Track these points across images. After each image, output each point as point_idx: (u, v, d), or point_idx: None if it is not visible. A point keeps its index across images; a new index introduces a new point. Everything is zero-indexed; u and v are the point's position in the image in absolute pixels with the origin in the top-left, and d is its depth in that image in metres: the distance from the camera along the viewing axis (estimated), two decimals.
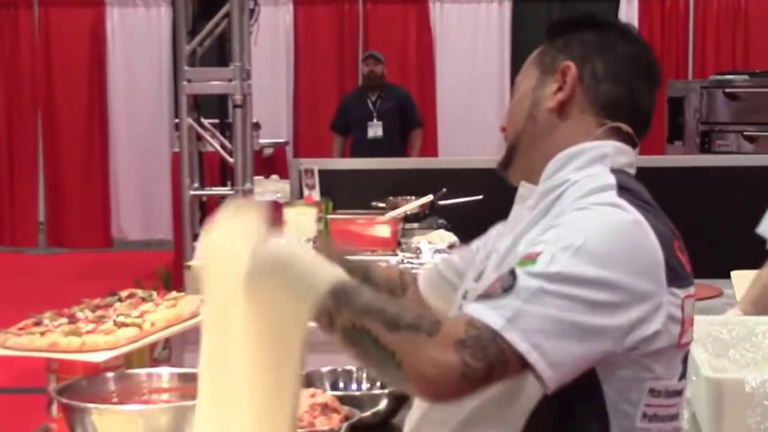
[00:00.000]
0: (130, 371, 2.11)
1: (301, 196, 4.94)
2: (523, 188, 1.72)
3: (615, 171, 1.64)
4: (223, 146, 6.29)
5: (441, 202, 4.87)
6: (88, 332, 2.05)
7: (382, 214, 4.52)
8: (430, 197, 4.84)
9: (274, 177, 7.79)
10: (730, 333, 2.41)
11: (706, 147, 8.40)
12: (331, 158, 8.33)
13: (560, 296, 1.45)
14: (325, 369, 2.28)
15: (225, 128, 6.62)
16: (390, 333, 1.44)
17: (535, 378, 1.46)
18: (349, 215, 4.50)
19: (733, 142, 8.27)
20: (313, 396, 2.06)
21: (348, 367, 2.31)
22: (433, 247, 4.05)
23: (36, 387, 2.44)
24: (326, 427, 1.99)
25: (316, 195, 4.80)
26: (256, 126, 7.69)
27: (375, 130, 8.92)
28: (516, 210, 1.74)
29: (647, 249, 1.53)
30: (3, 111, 11.00)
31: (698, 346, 2.26)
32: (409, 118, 9.16)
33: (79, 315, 2.18)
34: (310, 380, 2.21)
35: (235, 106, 5.93)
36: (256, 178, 6.17)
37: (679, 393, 1.61)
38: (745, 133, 8.26)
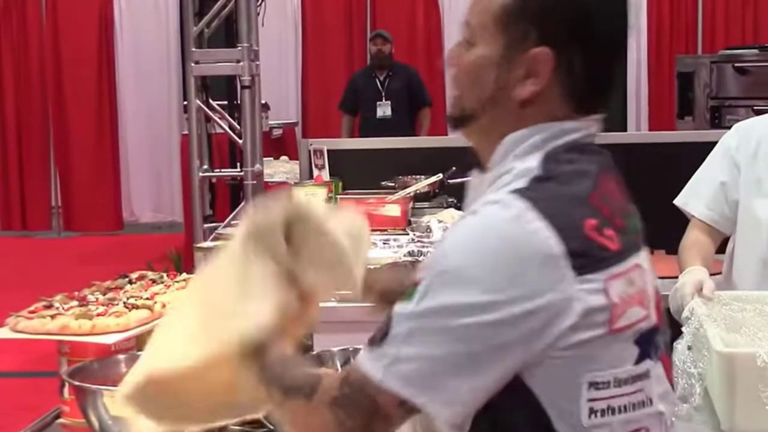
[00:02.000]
0: (141, 353, 2.11)
1: (310, 176, 4.92)
2: (475, 178, 1.61)
3: (548, 154, 1.49)
4: (232, 128, 6.28)
5: (451, 181, 4.84)
6: (98, 315, 2.05)
7: (392, 193, 4.51)
8: (439, 176, 4.82)
9: (284, 158, 7.80)
10: (742, 311, 2.41)
11: (716, 122, 8.37)
12: (340, 138, 8.31)
13: (435, 332, 1.38)
14: (336, 348, 2.27)
15: (234, 109, 6.61)
16: (282, 402, 1.49)
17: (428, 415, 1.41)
18: (358, 195, 4.49)
19: (744, 116, 8.19)
20: None
21: (359, 346, 2.30)
22: (443, 225, 4.04)
23: (48, 370, 2.44)
24: None
25: (325, 175, 4.78)
26: (265, 107, 7.68)
27: (384, 109, 8.91)
28: (470, 199, 1.62)
29: (529, 247, 1.39)
30: (13, 97, 11.01)
31: (710, 321, 2.25)
32: (418, 97, 9.15)
33: (90, 298, 2.18)
34: (321, 360, 2.21)
35: (243, 87, 5.91)
36: (266, 159, 6.17)
37: (640, 377, 1.47)
38: (756, 107, 8.21)
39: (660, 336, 1.53)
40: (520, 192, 1.43)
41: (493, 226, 1.41)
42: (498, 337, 1.37)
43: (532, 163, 1.48)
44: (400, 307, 1.42)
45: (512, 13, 1.51)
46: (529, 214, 1.40)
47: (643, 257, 1.52)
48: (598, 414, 1.43)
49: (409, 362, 1.38)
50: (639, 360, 1.47)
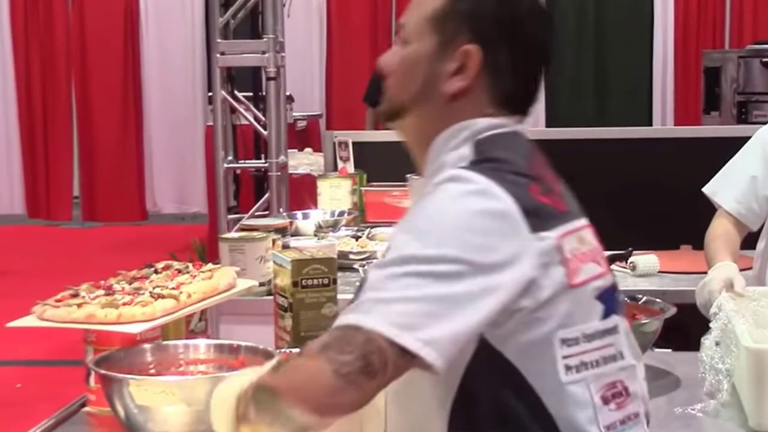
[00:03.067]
0: (166, 342, 2.11)
1: (335, 168, 4.91)
2: (415, 181, 1.72)
3: (478, 141, 1.59)
4: (256, 119, 6.28)
5: None
6: (124, 304, 2.06)
7: None
8: None
9: (308, 150, 7.80)
10: None
11: (743, 117, 8.32)
12: (365, 130, 8.30)
13: (408, 275, 1.43)
14: None
15: (259, 101, 6.61)
16: (273, 375, 1.46)
17: (417, 363, 1.42)
18: (383, 187, 4.48)
19: None
20: None
21: None
22: None
23: (74, 359, 2.45)
24: None
25: (350, 167, 4.77)
26: (290, 99, 7.68)
27: None
28: (413, 202, 1.69)
29: (493, 211, 1.47)
30: (38, 87, 11.04)
31: (738, 317, 2.24)
32: None
33: (116, 287, 2.18)
34: None
35: (268, 79, 5.91)
36: (290, 150, 6.16)
37: (608, 332, 1.55)
38: None
39: (620, 294, 1.62)
40: (466, 168, 1.53)
41: (454, 194, 1.49)
42: (461, 286, 1.43)
43: (465, 151, 1.58)
44: (371, 267, 1.49)
45: (444, 13, 1.63)
46: (488, 185, 1.49)
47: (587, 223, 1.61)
48: (573, 370, 1.51)
49: (387, 304, 1.42)
50: (605, 315, 1.55)
